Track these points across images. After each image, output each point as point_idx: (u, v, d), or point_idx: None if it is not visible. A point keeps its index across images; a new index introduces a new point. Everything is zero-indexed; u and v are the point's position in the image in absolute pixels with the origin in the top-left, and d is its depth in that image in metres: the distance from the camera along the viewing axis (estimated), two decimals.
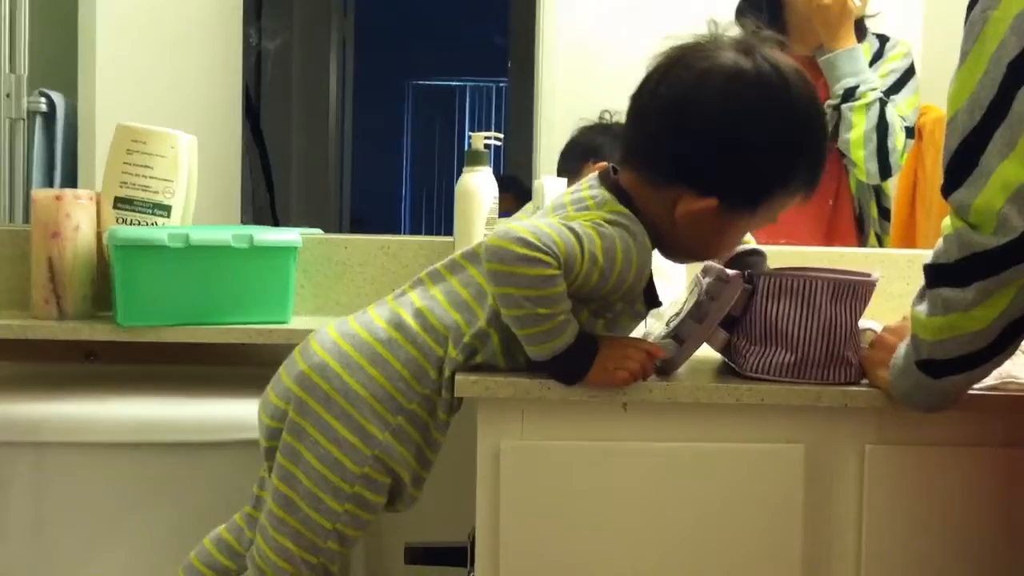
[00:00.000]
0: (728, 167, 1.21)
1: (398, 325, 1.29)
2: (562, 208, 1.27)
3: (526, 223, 1.20)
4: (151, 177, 1.66)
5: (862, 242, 1.94)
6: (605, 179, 1.28)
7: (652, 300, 1.30)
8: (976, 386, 1.15)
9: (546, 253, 1.16)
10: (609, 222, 1.22)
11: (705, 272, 1.31)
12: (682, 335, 1.27)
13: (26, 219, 1.84)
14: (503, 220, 1.64)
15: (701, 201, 1.22)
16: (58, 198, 1.61)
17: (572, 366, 1.22)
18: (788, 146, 1.22)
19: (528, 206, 1.63)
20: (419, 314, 1.29)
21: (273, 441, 1.32)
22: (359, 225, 2.64)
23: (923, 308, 1.10)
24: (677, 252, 1.32)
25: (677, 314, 1.32)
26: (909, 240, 1.96)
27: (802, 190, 1.26)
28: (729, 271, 1.25)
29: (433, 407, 1.30)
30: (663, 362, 1.26)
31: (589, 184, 1.28)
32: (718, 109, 1.21)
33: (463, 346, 1.26)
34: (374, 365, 1.28)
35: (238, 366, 1.72)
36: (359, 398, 1.28)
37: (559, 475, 1.24)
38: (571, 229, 1.19)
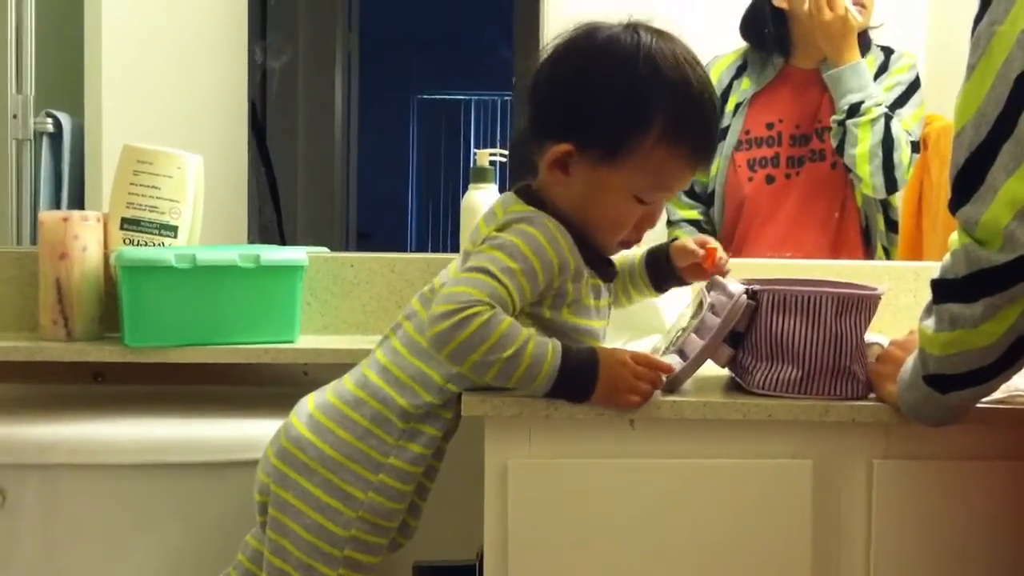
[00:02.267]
0: (574, 109, 1.24)
1: (363, 384, 1.32)
2: (475, 231, 1.30)
3: (440, 296, 1.21)
4: (158, 198, 1.66)
5: (869, 255, 1.93)
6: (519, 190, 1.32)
7: (602, 271, 1.30)
8: (984, 400, 1.15)
9: (468, 306, 1.18)
10: (501, 227, 1.25)
11: (710, 287, 1.31)
12: (686, 351, 1.27)
13: (34, 240, 1.84)
14: None
15: (559, 146, 1.24)
16: (65, 219, 1.62)
17: (576, 385, 1.21)
18: (633, 89, 1.23)
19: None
20: (384, 370, 1.31)
21: (263, 516, 1.35)
22: (366, 239, 2.64)
23: (930, 323, 1.09)
24: (578, 225, 1.27)
25: (683, 329, 1.32)
26: (915, 251, 1.96)
27: (675, 146, 1.23)
28: (732, 286, 1.25)
29: (415, 455, 1.30)
30: (668, 379, 1.26)
31: (501, 199, 1.32)
32: (567, 62, 1.26)
33: (437, 390, 1.28)
34: (343, 428, 1.31)
35: (245, 386, 1.73)
36: (335, 462, 1.30)
37: (567, 492, 1.24)
38: (475, 270, 1.21)
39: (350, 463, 1.30)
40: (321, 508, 1.30)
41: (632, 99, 1.22)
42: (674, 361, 1.28)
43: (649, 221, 1.30)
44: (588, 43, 1.26)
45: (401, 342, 1.32)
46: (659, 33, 1.26)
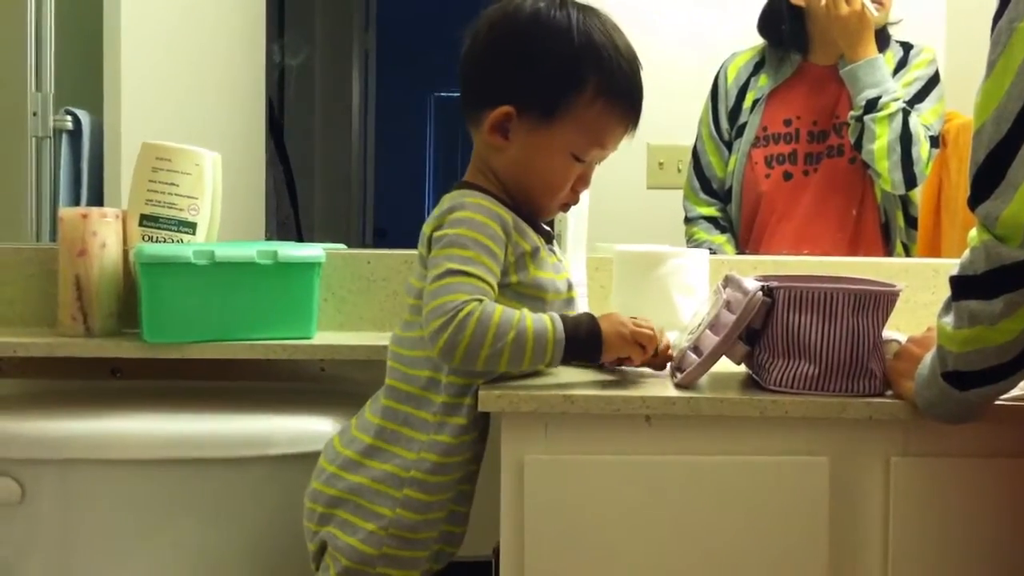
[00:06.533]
0: (508, 72, 1.30)
1: (383, 412, 1.34)
2: (420, 236, 1.33)
3: (426, 314, 1.24)
4: (176, 194, 1.67)
5: (889, 251, 1.92)
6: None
7: (543, 234, 1.35)
8: (1002, 397, 1.14)
9: (458, 310, 1.21)
10: (439, 224, 1.28)
11: (725, 284, 1.31)
12: (701, 347, 1.27)
13: (53, 237, 1.85)
14: None
15: (498, 110, 1.30)
16: (84, 216, 1.62)
17: (588, 341, 1.25)
18: (568, 51, 1.29)
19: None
20: (396, 391, 1.34)
21: (317, 562, 1.38)
22: (383, 237, 2.65)
23: (949, 320, 1.09)
24: (518, 190, 1.33)
25: (699, 326, 1.32)
26: (934, 248, 1.95)
27: (609, 102, 1.30)
28: (748, 283, 1.25)
29: (433, 465, 1.31)
30: (682, 375, 1.26)
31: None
32: (491, 31, 1.33)
33: (445, 387, 1.30)
34: (369, 458, 1.33)
35: (263, 381, 1.73)
36: (362, 487, 1.33)
37: (583, 488, 1.24)
38: (443, 276, 1.23)
39: (375, 484, 1.32)
40: (354, 531, 1.32)
41: (568, 61, 1.29)
42: (688, 358, 1.28)
43: (583, 182, 1.36)
44: (521, 13, 1.32)
45: (399, 362, 1.35)
46: (584, 8, 1.33)
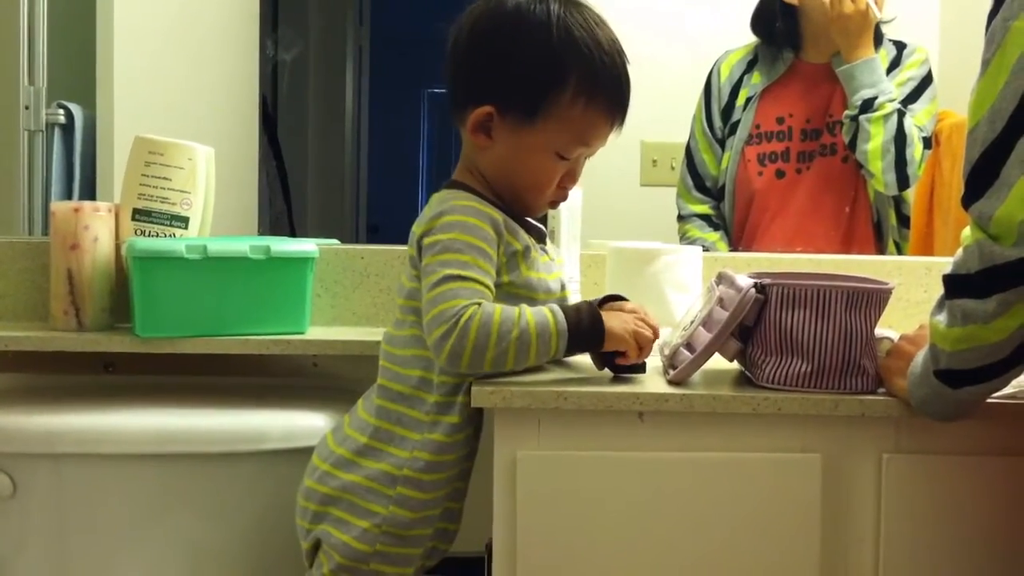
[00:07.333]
0: (488, 71, 1.29)
1: (376, 411, 1.34)
2: (410, 236, 1.33)
3: (427, 323, 1.23)
4: (169, 189, 1.66)
5: (881, 250, 1.93)
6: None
7: (534, 232, 1.35)
8: (993, 396, 1.15)
9: (459, 316, 1.20)
10: (429, 229, 1.27)
11: (718, 281, 1.31)
12: (694, 344, 1.27)
13: (45, 231, 1.85)
14: None
15: (480, 109, 1.29)
16: (77, 210, 1.62)
17: (590, 329, 1.24)
18: (547, 49, 1.27)
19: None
20: (388, 391, 1.34)
21: (311, 559, 1.38)
22: (376, 233, 2.64)
23: (942, 318, 1.09)
24: (504, 188, 1.33)
25: (692, 322, 1.32)
26: (927, 246, 1.95)
27: (591, 99, 1.29)
28: (741, 280, 1.25)
29: (431, 465, 1.31)
30: (675, 372, 1.26)
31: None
32: (472, 28, 1.31)
33: (436, 387, 1.30)
34: (363, 456, 1.33)
35: (255, 376, 1.73)
36: (355, 485, 1.33)
37: (575, 485, 1.24)
38: (440, 282, 1.23)
39: (368, 482, 1.32)
40: (348, 529, 1.32)
41: (547, 58, 1.28)
42: (681, 355, 1.28)
43: (571, 178, 1.35)
44: (501, 9, 1.30)
45: (391, 362, 1.34)
46: (567, 2, 1.31)
